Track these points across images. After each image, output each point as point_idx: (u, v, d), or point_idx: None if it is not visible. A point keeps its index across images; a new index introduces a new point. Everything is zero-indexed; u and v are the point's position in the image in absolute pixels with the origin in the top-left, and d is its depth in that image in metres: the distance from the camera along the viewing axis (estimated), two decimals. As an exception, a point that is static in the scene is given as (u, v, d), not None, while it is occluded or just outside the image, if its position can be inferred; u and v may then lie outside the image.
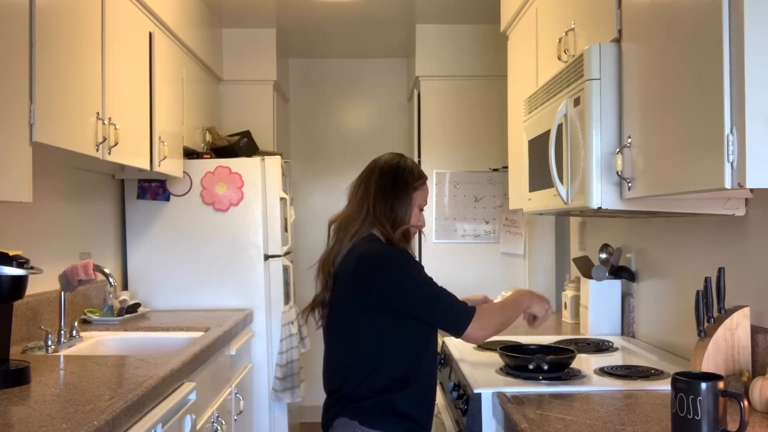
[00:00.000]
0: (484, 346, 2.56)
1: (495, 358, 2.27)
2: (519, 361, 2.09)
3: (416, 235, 2.25)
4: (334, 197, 5.47)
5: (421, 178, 2.11)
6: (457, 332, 1.95)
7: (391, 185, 2.05)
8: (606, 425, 1.58)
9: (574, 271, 3.31)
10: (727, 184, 1.32)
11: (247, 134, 4.16)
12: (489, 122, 4.50)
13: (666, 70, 1.60)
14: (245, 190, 3.71)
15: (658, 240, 2.53)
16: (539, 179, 2.49)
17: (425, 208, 2.16)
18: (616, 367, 2.17)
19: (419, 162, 4.58)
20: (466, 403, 2.06)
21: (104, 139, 2.45)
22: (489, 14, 4.07)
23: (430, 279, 1.99)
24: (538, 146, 2.50)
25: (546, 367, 2.04)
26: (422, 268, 2.01)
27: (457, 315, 1.95)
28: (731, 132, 1.31)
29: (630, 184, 1.80)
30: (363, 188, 2.08)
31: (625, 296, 2.81)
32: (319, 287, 2.10)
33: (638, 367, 2.18)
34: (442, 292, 1.97)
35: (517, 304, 2.11)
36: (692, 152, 1.47)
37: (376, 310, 1.96)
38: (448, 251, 4.47)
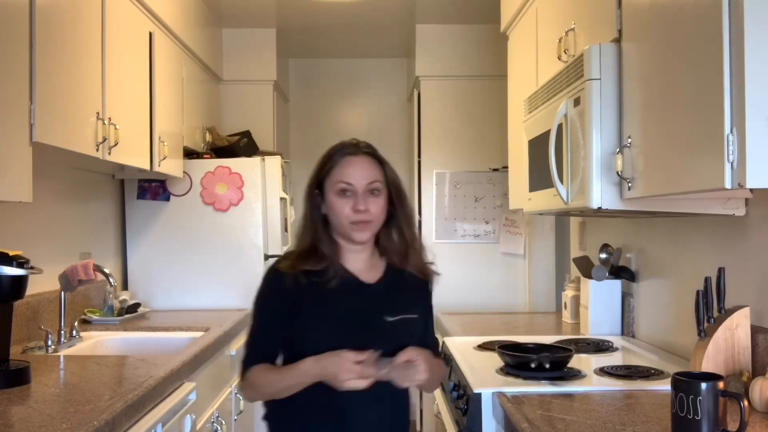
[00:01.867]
0: (483, 346, 2.56)
1: (495, 358, 2.27)
2: (520, 359, 2.09)
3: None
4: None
5: (328, 163, 1.74)
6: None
7: (307, 192, 1.79)
8: (606, 425, 1.58)
9: (574, 271, 3.31)
10: (727, 184, 1.32)
11: (247, 134, 4.16)
12: (489, 122, 4.50)
13: (666, 70, 1.60)
14: (245, 190, 3.71)
15: (658, 240, 2.53)
16: (539, 179, 2.49)
17: (360, 189, 1.69)
18: (616, 367, 2.17)
19: (419, 162, 4.58)
20: (466, 403, 2.06)
21: (104, 139, 2.45)
22: (489, 14, 4.07)
23: (257, 312, 1.79)
24: (538, 146, 2.50)
25: (548, 366, 2.04)
26: (263, 297, 1.80)
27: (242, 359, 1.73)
28: (731, 132, 1.31)
29: (630, 184, 1.80)
30: None
31: (625, 296, 2.81)
32: None
33: (638, 367, 2.18)
34: (252, 331, 1.77)
35: (295, 374, 1.64)
36: (692, 152, 1.47)
37: None
38: (448, 251, 4.47)
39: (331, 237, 1.74)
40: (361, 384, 1.56)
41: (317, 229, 1.73)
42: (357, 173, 1.71)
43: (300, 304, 1.69)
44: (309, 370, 1.61)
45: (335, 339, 1.64)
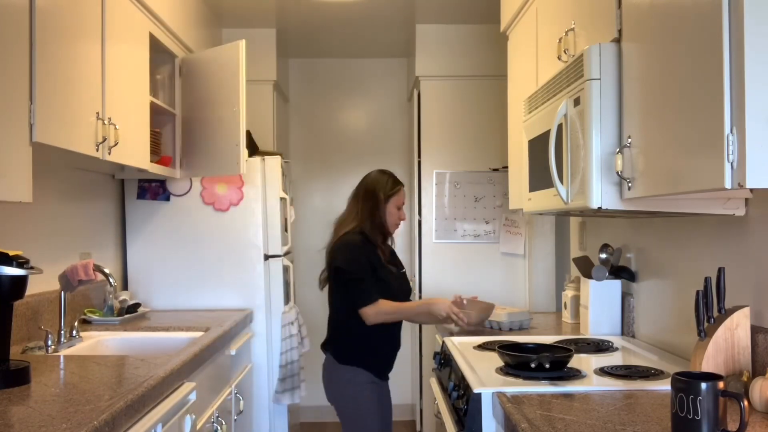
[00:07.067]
0: (483, 346, 2.56)
1: (495, 358, 2.27)
2: (520, 359, 2.09)
3: (412, 230, 2.75)
4: (334, 197, 5.48)
5: (395, 187, 2.91)
6: (356, 307, 2.75)
7: (372, 195, 2.89)
8: (606, 425, 1.58)
9: (574, 271, 3.31)
10: (727, 184, 1.32)
11: (247, 134, 4.16)
12: (489, 122, 4.50)
13: (666, 70, 1.60)
14: (245, 190, 3.71)
15: (658, 240, 2.53)
16: (539, 179, 2.49)
17: (405, 205, 3.05)
18: (616, 367, 2.17)
19: (419, 162, 4.59)
20: (466, 403, 2.06)
21: (104, 139, 2.45)
22: (489, 14, 4.07)
23: (361, 266, 2.76)
24: (538, 146, 2.50)
25: (548, 366, 2.04)
26: (363, 256, 2.79)
27: (359, 295, 2.75)
28: (731, 132, 1.32)
29: (630, 184, 1.80)
30: (354, 197, 2.95)
31: (625, 296, 2.81)
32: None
33: (638, 367, 2.18)
34: (361, 277, 2.75)
35: (414, 308, 2.87)
36: (692, 152, 1.47)
37: (334, 280, 2.85)
38: (448, 251, 4.47)
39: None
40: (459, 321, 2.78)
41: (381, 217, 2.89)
42: (403, 199, 2.98)
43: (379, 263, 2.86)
44: (425, 307, 2.82)
45: (395, 282, 2.90)
